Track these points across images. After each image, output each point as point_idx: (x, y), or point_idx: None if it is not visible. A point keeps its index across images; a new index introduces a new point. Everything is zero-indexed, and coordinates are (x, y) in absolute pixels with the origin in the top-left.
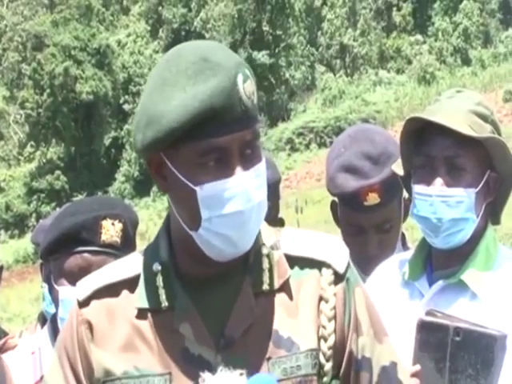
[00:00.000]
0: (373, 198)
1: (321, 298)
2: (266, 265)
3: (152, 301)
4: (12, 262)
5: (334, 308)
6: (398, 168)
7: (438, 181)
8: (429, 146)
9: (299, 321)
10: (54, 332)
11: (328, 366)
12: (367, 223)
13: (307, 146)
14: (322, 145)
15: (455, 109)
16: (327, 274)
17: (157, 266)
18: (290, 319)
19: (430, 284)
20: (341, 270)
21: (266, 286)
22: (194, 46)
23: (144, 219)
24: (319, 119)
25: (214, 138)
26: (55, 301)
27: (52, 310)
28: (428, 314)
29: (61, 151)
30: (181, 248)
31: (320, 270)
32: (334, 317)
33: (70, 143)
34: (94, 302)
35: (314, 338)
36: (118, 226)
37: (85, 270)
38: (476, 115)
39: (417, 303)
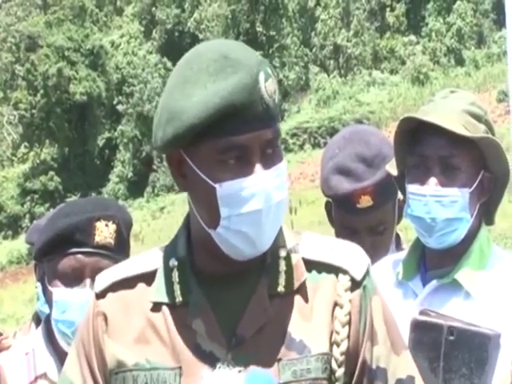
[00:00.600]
0: (366, 201)
1: (336, 304)
2: (282, 267)
3: (167, 295)
4: (6, 263)
5: (349, 314)
6: (392, 168)
7: (432, 180)
8: (423, 146)
9: (313, 324)
10: (48, 332)
11: (340, 371)
12: (360, 225)
13: (301, 147)
14: (315, 145)
15: (449, 109)
16: (344, 280)
17: (173, 262)
18: (304, 322)
19: (424, 284)
20: (358, 277)
21: (281, 288)
22: (214, 44)
23: (138, 220)
24: (313, 120)
25: (234, 135)
26: (49, 302)
27: (46, 309)
28: (422, 313)
29: (54, 152)
30: (199, 246)
31: (337, 276)
32: (348, 323)
33: (64, 144)
34: (110, 295)
35: (325, 342)
36: (112, 227)
37: (78, 271)
38: (470, 115)
39: (411, 303)
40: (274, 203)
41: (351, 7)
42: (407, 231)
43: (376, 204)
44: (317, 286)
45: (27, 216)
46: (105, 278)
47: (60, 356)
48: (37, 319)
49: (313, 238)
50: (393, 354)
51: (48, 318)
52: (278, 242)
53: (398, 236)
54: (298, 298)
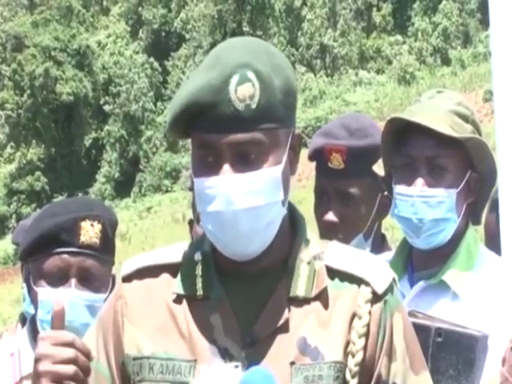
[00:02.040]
0: (336, 161)
1: (355, 314)
2: (304, 272)
3: (189, 288)
4: None
5: (367, 326)
6: (378, 168)
7: (419, 181)
8: (410, 147)
9: (329, 332)
10: (33, 333)
11: (353, 382)
12: (330, 187)
13: None
14: (302, 145)
15: (436, 109)
16: (365, 292)
17: (198, 256)
18: (321, 329)
19: (412, 285)
20: (379, 291)
21: (301, 293)
22: (229, 41)
23: (125, 220)
24: (300, 119)
25: (205, 133)
26: (34, 302)
27: (32, 310)
28: (409, 314)
29: (41, 152)
30: None
31: (359, 287)
32: (365, 335)
33: (51, 144)
34: (135, 280)
35: (340, 351)
36: (97, 227)
37: (64, 271)
38: (457, 115)
39: None
40: (239, 209)
41: (337, 7)
42: (393, 231)
43: (347, 169)
44: (338, 295)
45: (14, 216)
46: (132, 263)
47: None
48: (23, 320)
49: (339, 248)
50: (411, 372)
51: (33, 318)
52: (302, 247)
53: (383, 235)
54: (317, 305)
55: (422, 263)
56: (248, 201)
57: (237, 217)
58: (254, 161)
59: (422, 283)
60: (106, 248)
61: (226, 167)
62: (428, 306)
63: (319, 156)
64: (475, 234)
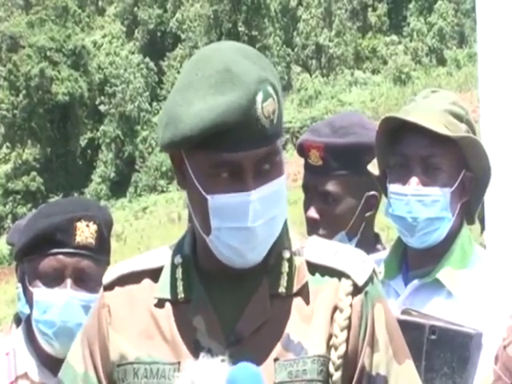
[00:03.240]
0: (314, 157)
1: (336, 308)
2: (285, 268)
3: (170, 292)
4: None
5: (349, 319)
6: (373, 168)
7: (414, 180)
8: (404, 146)
9: (312, 327)
10: (28, 333)
11: (337, 375)
12: (310, 183)
13: (283, 147)
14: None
15: (430, 108)
16: (346, 285)
17: (178, 259)
18: (303, 324)
19: (406, 283)
20: (360, 283)
21: (282, 290)
22: (222, 50)
23: (120, 220)
24: (295, 119)
25: (227, 152)
26: (29, 302)
27: (27, 310)
28: (404, 312)
29: (36, 152)
30: (201, 245)
31: (339, 280)
32: (347, 327)
33: (46, 144)
34: (117, 287)
35: (323, 344)
36: (93, 227)
37: (59, 272)
38: (451, 115)
39: (392, 302)
40: (266, 220)
41: (333, 7)
42: (389, 230)
43: (325, 166)
44: (319, 290)
45: (9, 216)
46: (113, 271)
47: (40, 356)
48: (18, 320)
49: (318, 242)
50: (394, 362)
51: (28, 318)
52: (283, 243)
53: (377, 235)
54: (299, 300)
55: (417, 262)
56: (272, 211)
57: (261, 229)
58: (269, 171)
59: (416, 282)
60: (101, 248)
61: (250, 182)
62: (422, 304)
63: (301, 152)
64: (469, 233)
